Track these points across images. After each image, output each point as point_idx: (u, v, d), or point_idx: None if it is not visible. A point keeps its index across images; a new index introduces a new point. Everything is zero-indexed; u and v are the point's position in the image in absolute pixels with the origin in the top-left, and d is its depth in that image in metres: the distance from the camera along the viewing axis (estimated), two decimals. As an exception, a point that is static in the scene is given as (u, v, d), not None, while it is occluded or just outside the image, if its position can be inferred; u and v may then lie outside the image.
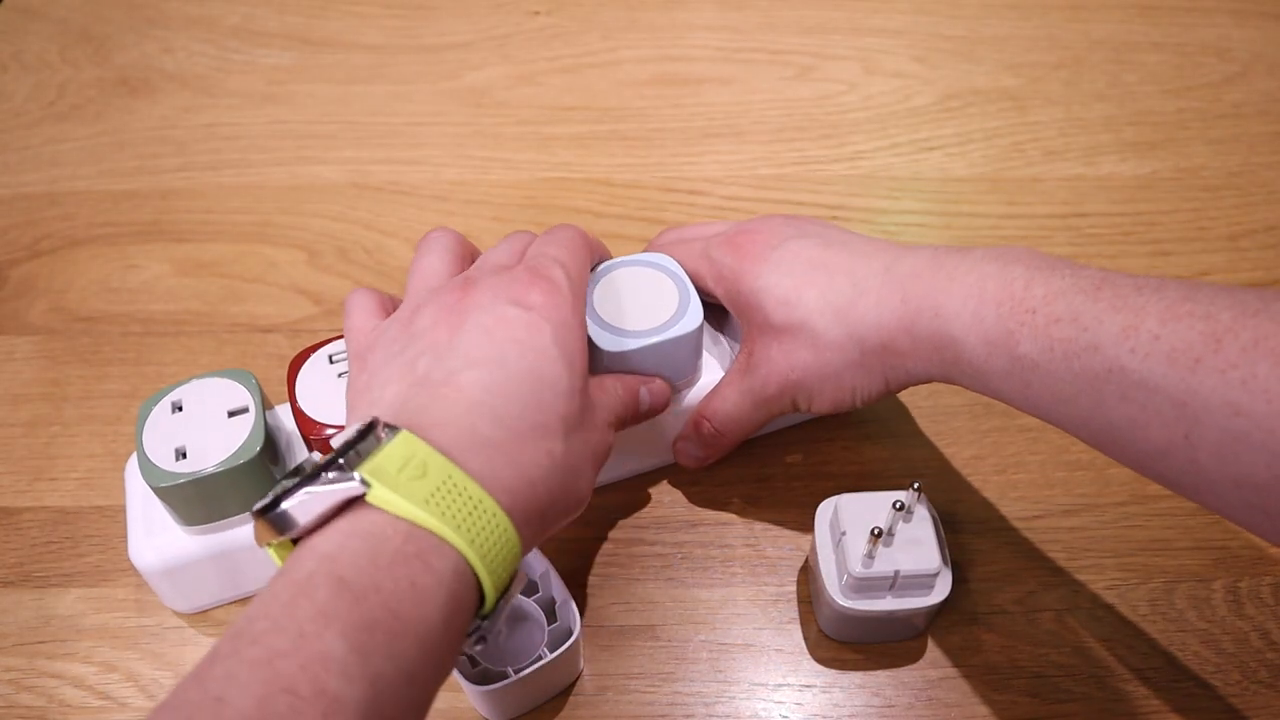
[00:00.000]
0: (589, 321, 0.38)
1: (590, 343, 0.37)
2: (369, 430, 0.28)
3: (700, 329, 0.40)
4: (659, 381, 0.39)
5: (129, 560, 0.42)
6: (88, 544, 0.43)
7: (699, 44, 0.65)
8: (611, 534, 0.43)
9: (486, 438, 0.29)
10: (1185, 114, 0.60)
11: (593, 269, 0.40)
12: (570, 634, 0.37)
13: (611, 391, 0.37)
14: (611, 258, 0.41)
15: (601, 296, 0.40)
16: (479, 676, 0.36)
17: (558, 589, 0.38)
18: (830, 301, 0.37)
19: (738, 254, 0.40)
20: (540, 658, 0.36)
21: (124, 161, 0.59)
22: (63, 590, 0.42)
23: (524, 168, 0.58)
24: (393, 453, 0.28)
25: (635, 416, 0.38)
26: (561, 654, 0.36)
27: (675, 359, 0.40)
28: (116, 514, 0.44)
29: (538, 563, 0.39)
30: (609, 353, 0.38)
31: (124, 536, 0.39)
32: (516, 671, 0.35)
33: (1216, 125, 0.59)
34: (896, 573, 0.36)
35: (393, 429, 0.28)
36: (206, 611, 0.41)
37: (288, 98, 0.62)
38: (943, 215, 0.55)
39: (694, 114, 0.61)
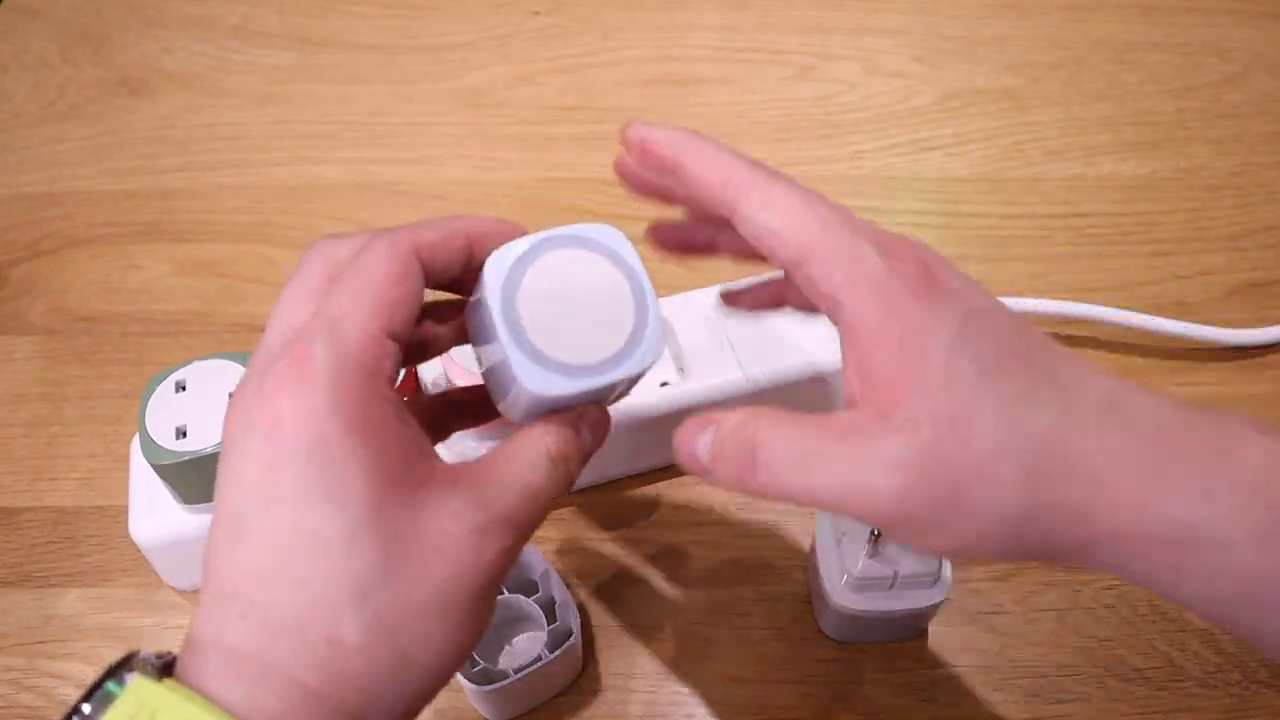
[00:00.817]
0: (510, 345, 0.27)
1: (509, 372, 0.27)
2: (105, 679, 0.22)
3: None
4: (595, 410, 0.29)
5: (128, 556, 0.42)
6: (88, 544, 0.43)
7: (699, 44, 0.65)
8: (611, 534, 0.43)
9: (240, 648, 0.22)
10: (1185, 114, 0.60)
11: (504, 267, 0.28)
12: (570, 634, 0.37)
13: (513, 471, 0.26)
14: (520, 233, 0.29)
15: (529, 300, 0.27)
16: (479, 676, 0.36)
17: (558, 589, 0.38)
18: (1009, 460, 0.24)
19: (885, 333, 0.26)
20: (540, 658, 0.36)
21: (124, 161, 0.59)
22: (63, 590, 0.42)
23: (524, 168, 0.58)
24: (117, 714, 0.22)
25: (580, 463, 0.28)
26: (561, 654, 0.36)
27: (618, 391, 0.29)
28: (117, 514, 0.44)
29: (538, 563, 0.39)
30: (538, 396, 0.27)
31: (124, 536, 0.39)
32: (516, 672, 0.35)
33: (1216, 125, 0.59)
34: (896, 573, 0.36)
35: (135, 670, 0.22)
36: (206, 611, 0.41)
37: (288, 98, 0.62)
38: (943, 215, 0.55)
39: (694, 114, 0.61)
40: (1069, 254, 0.53)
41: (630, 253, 0.29)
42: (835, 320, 0.27)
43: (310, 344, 0.24)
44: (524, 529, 0.26)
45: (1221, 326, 0.48)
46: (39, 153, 0.59)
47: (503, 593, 0.38)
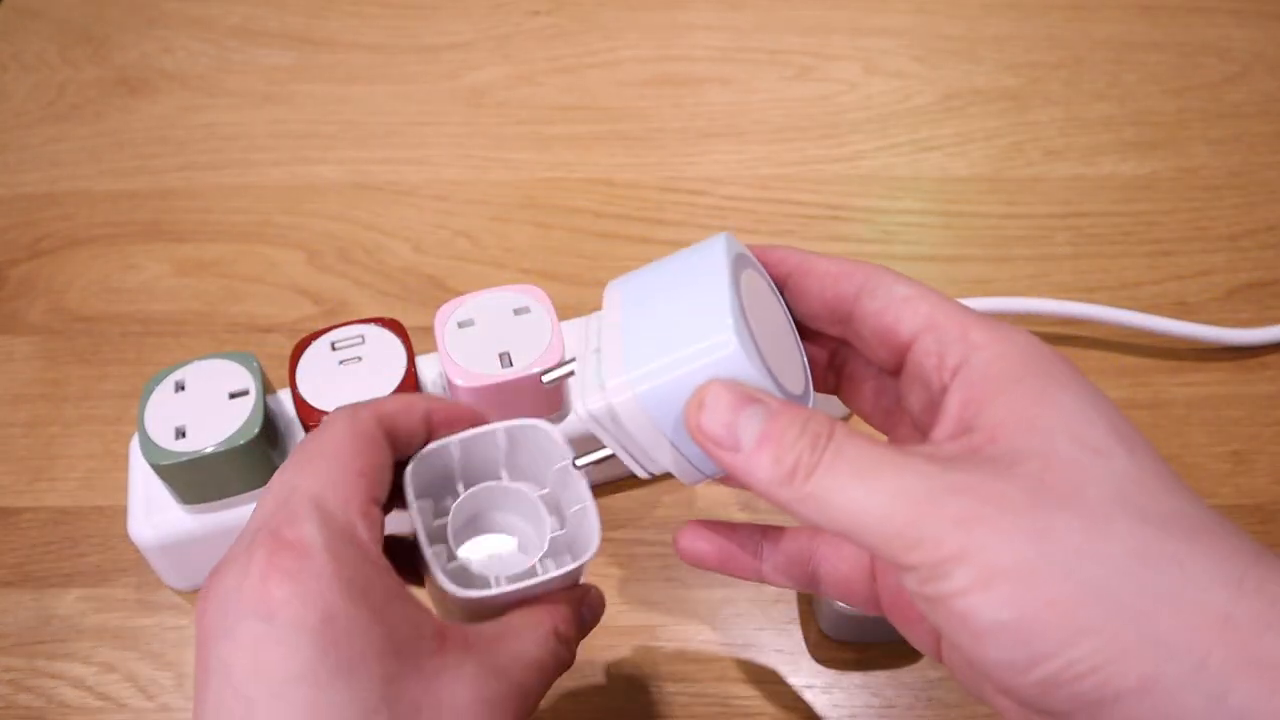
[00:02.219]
0: (731, 301, 0.24)
1: (713, 323, 0.24)
2: None
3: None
4: (596, 593, 0.31)
5: (128, 556, 0.42)
6: (87, 544, 0.43)
7: (699, 44, 0.65)
8: (611, 534, 0.43)
9: None
10: (1186, 114, 0.60)
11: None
12: (587, 549, 0.29)
13: (522, 643, 0.26)
14: (480, 422, 0.29)
15: (744, 290, 0.25)
16: (457, 574, 0.29)
17: (575, 486, 0.30)
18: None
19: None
20: (535, 572, 0.29)
21: (124, 161, 0.59)
22: (62, 590, 0.42)
23: (524, 168, 0.58)
24: None
25: (576, 645, 0.29)
26: (563, 575, 0.29)
27: None
28: (117, 514, 0.44)
29: (557, 452, 0.30)
30: (740, 365, 0.23)
31: (124, 536, 0.39)
32: (504, 581, 0.29)
33: (1217, 125, 0.59)
34: (897, 573, 0.36)
35: None
36: (206, 611, 0.41)
37: (288, 98, 0.62)
38: (943, 215, 0.55)
39: (694, 114, 0.61)
40: (1069, 254, 0.53)
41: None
42: (948, 385, 0.24)
43: (297, 524, 0.24)
44: (531, 703, 0.26)
45: (1222, 326, 0.48)
46: (38, 153, 0.59)
47: (502, 477, 0.31)
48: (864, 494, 0.21)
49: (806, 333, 0.29)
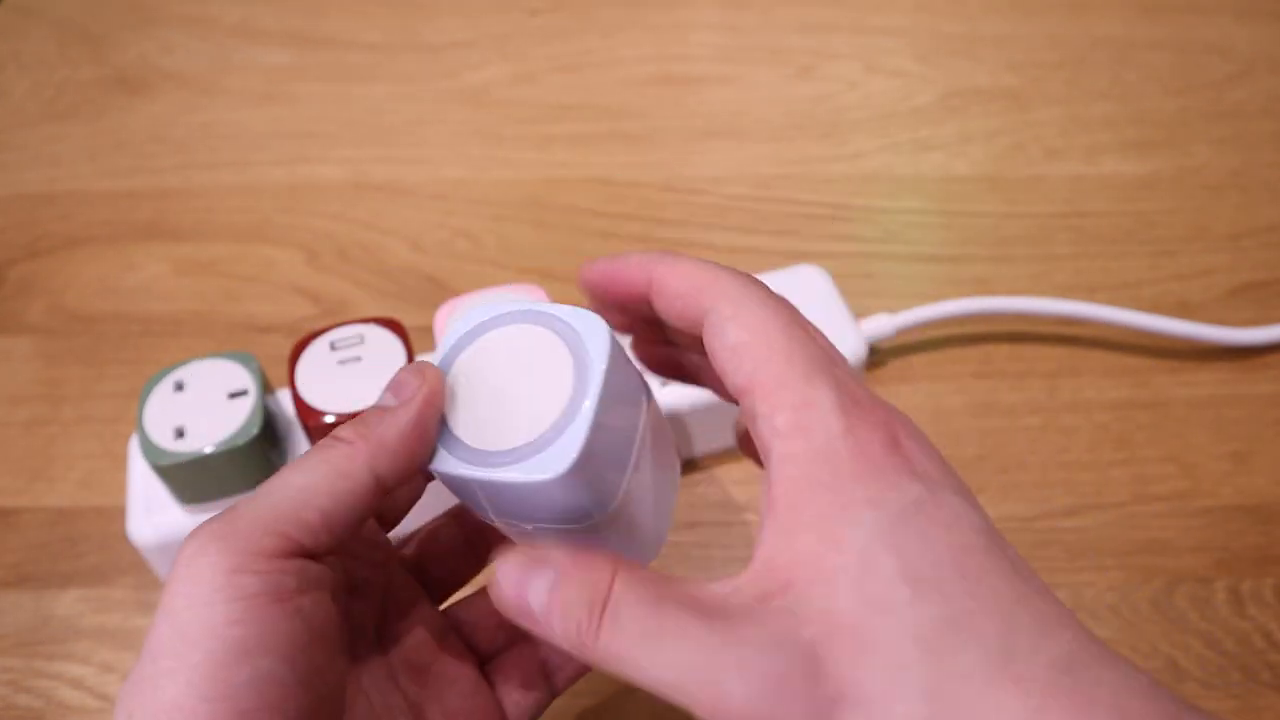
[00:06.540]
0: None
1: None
2: None
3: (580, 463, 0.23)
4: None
5: (127, 557, 0.42)
6: (86, 544, 0.43)
7: (699, 44, 0.64)
8: (611, 534, 0.43)
9: None
10: (1187, 113, 0.60)
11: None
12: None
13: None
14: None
15: (462, 372, 0.25)
16: None
17: None
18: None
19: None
20: None
21: (122, 161, 0.59)
22: (61, 591, 0.42)
23: (524, 167, 0.58)
24: None
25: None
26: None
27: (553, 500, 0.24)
28: (115, 514, 0.44)
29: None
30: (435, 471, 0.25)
31: (123, 537, 0.39)
32: None
33: (1219, 124, 0.59)
34: (897, 573, 0.36)
35: None
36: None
37: (287, 97, 0.62)
38: (943, 214, 0.55)
39: (694, 114, 0.60)
40: (1070, 254, 0.53)
41: (600, 345, 0.25)
42: (765, 470, 0.23)
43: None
44: None
45: (1223, 326, 0.48)
46: (37, 152, 0.59)
47: None
48: (649, 664, 0.20)
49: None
